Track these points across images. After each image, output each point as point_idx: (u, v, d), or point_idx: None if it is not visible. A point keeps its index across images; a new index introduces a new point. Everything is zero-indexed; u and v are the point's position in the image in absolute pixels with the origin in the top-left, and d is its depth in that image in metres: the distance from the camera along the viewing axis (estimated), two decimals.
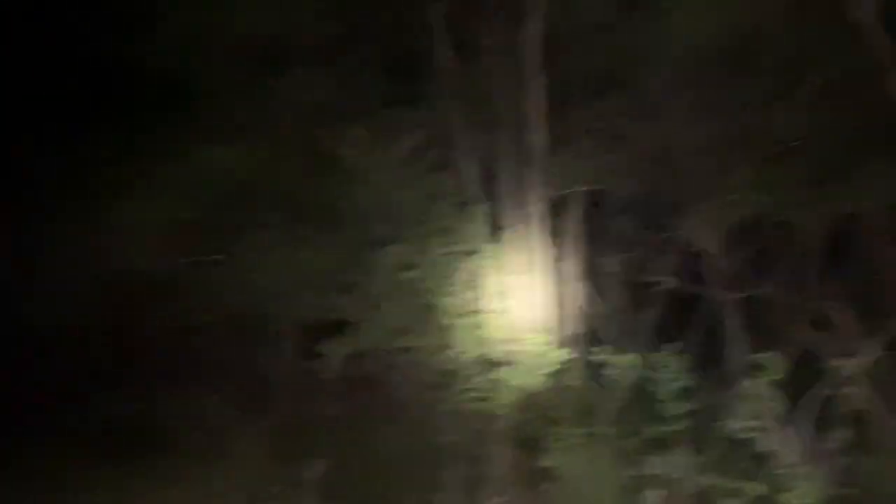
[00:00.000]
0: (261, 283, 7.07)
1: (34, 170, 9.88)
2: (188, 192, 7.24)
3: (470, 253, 6.45)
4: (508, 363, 6.09)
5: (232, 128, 7.26)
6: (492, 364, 6.07)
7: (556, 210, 6.94)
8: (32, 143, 9.85)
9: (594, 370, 5.63)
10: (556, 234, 6.93)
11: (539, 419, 5.20)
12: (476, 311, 6.34)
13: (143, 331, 7.41)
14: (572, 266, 7.19)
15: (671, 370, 4.63)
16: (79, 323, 7.95)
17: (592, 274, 7.31)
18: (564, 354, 6.01)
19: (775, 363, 4.88)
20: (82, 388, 7.72)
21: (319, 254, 6.89)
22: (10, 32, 9.53)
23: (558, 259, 6.88)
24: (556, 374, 5.70)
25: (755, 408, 4.74)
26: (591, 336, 6.82)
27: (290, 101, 7.33)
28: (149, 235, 7.08)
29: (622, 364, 5.01)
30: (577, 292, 7.10)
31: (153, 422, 7.15)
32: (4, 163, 9.88)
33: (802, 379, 5.46)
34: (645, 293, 7.52)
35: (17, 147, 8.91)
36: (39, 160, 9.80)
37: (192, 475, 6.20)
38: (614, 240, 7.51)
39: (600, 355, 5.53)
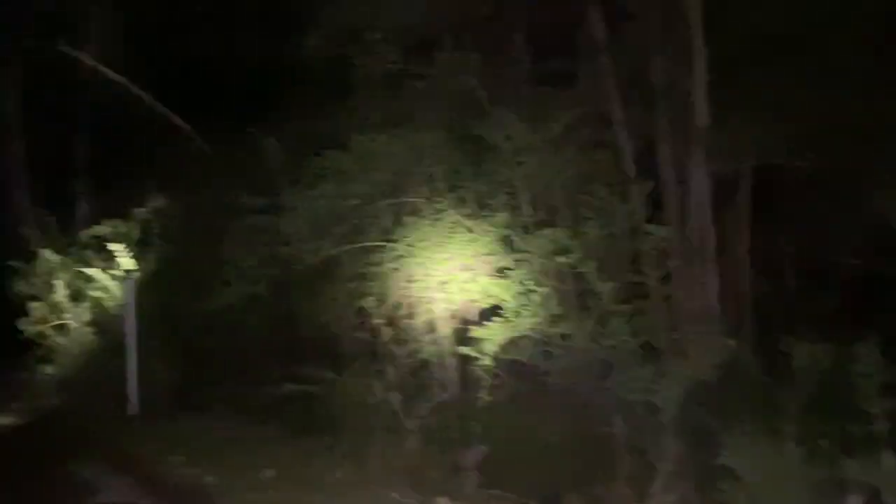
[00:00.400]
0: (416, 267, 7.14)
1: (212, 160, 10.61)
2: (348, 180, 7.44)
3: (629, 235, 6.15)
4: (673, 352, 5.77)
5: (387, 116, 7.38)
6: (655, 353, 5.76)
7: (723, 187, 6.47)
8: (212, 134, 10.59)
9: (770, 361, 5.18)
10: (724, 213, 6.47)
11: (711, 413, 4.86)
12: (637, 297, 6.04)
13: (315, 314, 7.78)
14: (741, 248, 6.70)
15: (868, 362, 4.12)
16: (260, 306, 8.47)
17: (764, 256, 6.78)
18: (735, 343, 5.60)
19: None
20: (264, 367, 8.26)
21: (473, 239, 6.84)
22: (192, 33, 10.26)
23: (726, 240, 6.42)
24: (727, 365, 5.32)
25: None
26: (764, 324, 6.33)
27: (440, 86, 7.32)
28: (317, 222, 7.37)
29: (805, 354, 4.54)
30: (748, 276, 6.61)
31: (323, 402, 7.46)
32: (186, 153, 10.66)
33: None
34: (825, 276, 6.89)
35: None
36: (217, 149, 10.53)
37: (358, 455, 6.39)
38: (789, 218, 6.92)
39: (777, 345, 5.07)
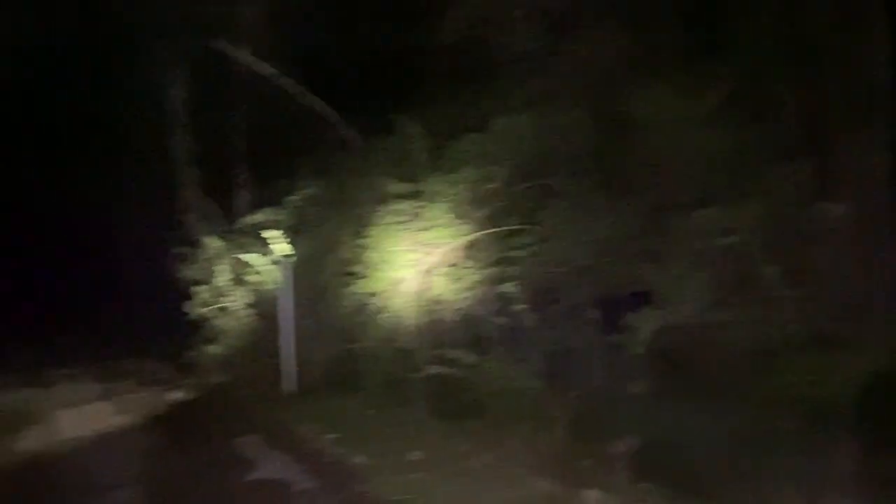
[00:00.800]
0: (560, 251, 6.94)
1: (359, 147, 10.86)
2: (489, 163, 7.35)
3: (796, 214, 5.62)
4: (845, 342, 5.22)
5: (528, 96, 7.20)
6: (825, 342, 5.25)
7: None
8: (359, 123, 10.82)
9: None
10: None
11: (890, 411, 4.34)
12: (804, 282, 5.52)
13: (457, 298, 7.76)
14: None
15: None
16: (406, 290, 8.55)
17: None
18: None
19: None
20: (409, 350, 8.36)
21: (621, 220, 6.54)
22: (336, 25, 10.51)
23: None
24: None
25: None
26: None
27: (584, 63, 7.03)
28: (458, 206, 7.33)
29: None
30: None
31: (466, 386, 7.46)
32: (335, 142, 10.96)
33: None
34: None
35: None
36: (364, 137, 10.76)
37: (501, 441, 6.31)
38: None
39: None
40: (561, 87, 7.03)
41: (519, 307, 6.93)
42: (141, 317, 13.96)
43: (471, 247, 7.49)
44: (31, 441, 7.79)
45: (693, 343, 5.58)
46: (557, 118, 6.86)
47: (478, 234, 7.61)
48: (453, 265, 7.93)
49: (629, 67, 6.63)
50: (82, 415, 8.87)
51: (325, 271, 9.34)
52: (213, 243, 9.70)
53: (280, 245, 9.06)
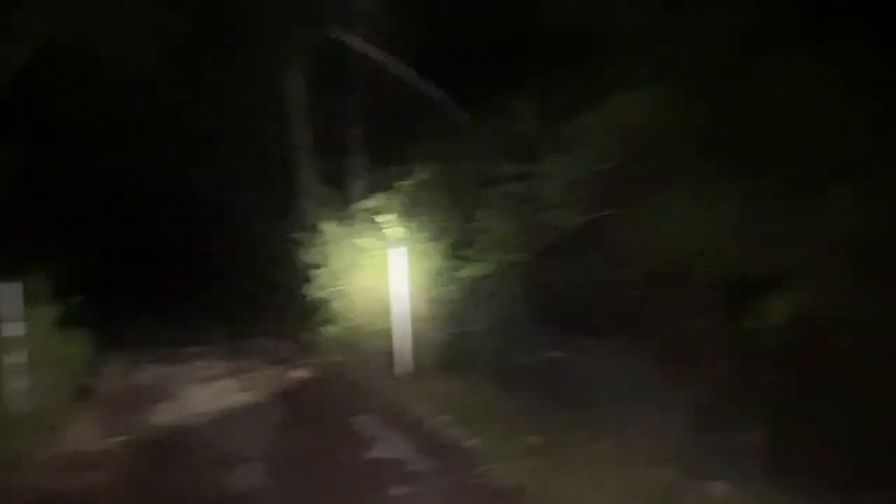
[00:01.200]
0: (679, 234, 6.68)
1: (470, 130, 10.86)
2: (602, 143, 7.15)
3: None
4: None
5: (644, 73, 6.94)
6: None
7: None
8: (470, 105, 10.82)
9: None
10: None
11: None
12: None
13: (571, 281, 7.66)
14: None
15: None
16: (517, 273, 8.52)
17: None
18: None
19: None
20: (521, 335, 8.33)
21: (745, 201, 6.22)
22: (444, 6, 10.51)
23: None
24: None
25: None
26: None
27: (704, 36, 6.70)
28: (572, 187, 7.21)
29: None
30: None
31: (581, 371, 7.36)
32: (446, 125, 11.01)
33: None
34: None
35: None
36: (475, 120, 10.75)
37: (620, 429, 6.17)
38: None
39: None
40: (679, 62, 6.73)
41: (636, 292, 6.72)
42: (264, 299, 14.60)
43: (584, 229, 7.33)
44: (165, 415, 8.31)
45: (825, 333, 5.22)
46: (676, 95, 6.57)
47: (592, 216, 7.44)
48: (566, 248, 7.80)
49: (753, 38, 6.26)
50: (212, 391, 9.37)
51: (437, 254, 9.41)
52: (329, 228, 9.95)
53: (393, 229, 9.19)
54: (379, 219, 9.23)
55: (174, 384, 9.96)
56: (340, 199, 11.40)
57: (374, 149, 13.25)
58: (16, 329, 7.37)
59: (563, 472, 5.38)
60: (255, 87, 14.89)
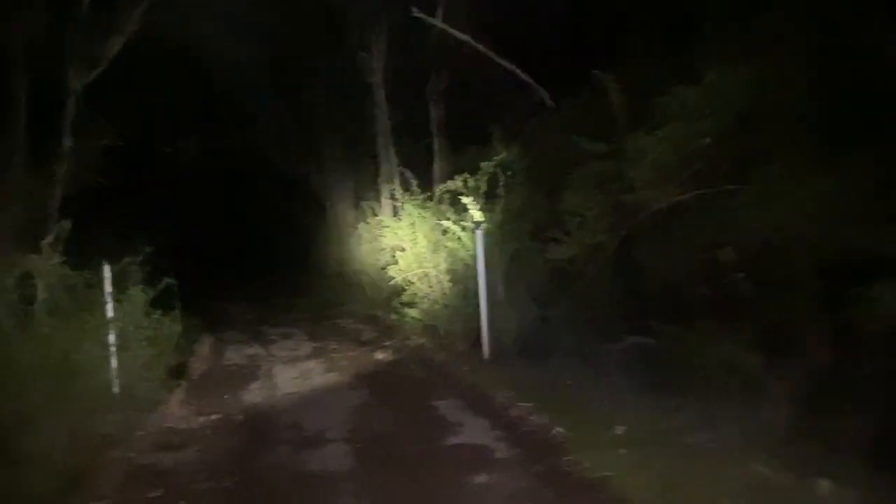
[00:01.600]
0: (779, 215, 6.28)
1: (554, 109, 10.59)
2: (698, 119, 6.79)
3: None
4: None
5: (744, 43, 6.52)
6: None
7: None
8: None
9: None
10: None
11: None
12: None
13: (660, 264, 7.33)
14: None
15: None
16: (603, 255, 8.25)
17: None
18: None
19: None
20: (606, 319, 8.08)
21: (852, 179, 5.77)
22: None
23: None
24: None
25: None
26: None
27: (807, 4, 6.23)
28: (663, 166, 6.88)
29: None
30: None
31: (670, 357, 7.06)
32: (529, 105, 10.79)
33: None
34: None
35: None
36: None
37: (712, 419, 5.87)
38: None
39: None
40: (782, 31, 6.29)
41: (731, 276, 6.36)
42: (348, 280, 14.76)
43: (676, 209, 6.99)
44: (254, 394, 8.48)
45: None
46: (778, 67, 6.14)
47: (685, 195, 7.08)
48: (656, 229, 7.48)
49: (862, 5, 5.78)
50: (298, 370, 9.52)
51: (519, 236, 9.22)
52: (412, 210, 9.90)
53: (474, 211, 9.05)
54: (463, 200, 9.09)
55: (262, 364, 10.18)
56: (423, 180, 11.32)
57: (458, 130, 13.15)
58: (108, 310, 7.62)
59: (654, 465, 5.16)
60: (341, 69, 15.02)
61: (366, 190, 15.23)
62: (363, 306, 13.33)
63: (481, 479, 5.22)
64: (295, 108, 17.46)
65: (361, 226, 14.08)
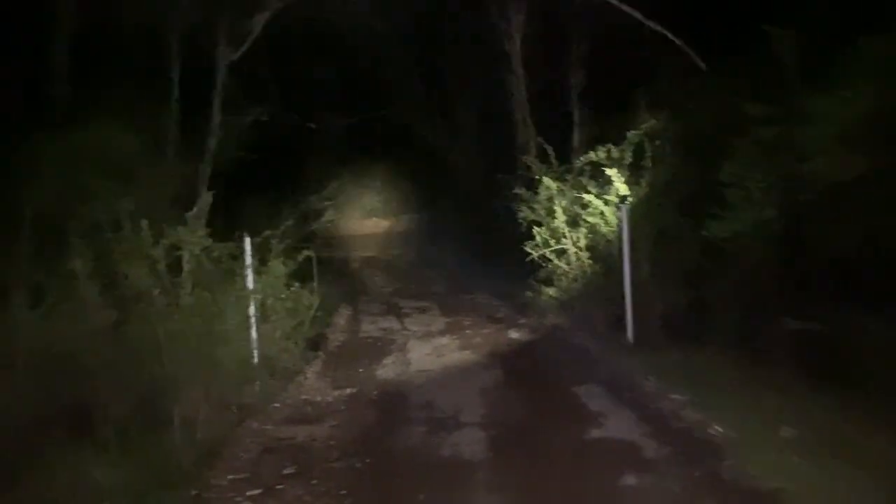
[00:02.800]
0: None
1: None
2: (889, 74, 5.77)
3: None
4: None
5: None
6: None
7: None
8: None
9: None
10: None
11: None
12: None
13: (837, 242, 6.36)
14: None
15: None
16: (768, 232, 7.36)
17: None
18: None
19: None
20: (770, 302, 7.21)
21: None
22: None
23: None
24: None
25: None
26: None
27: None
28: (847, 130, 5.90)
29: None
30: None
31: (848, 346, 6.16)
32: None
33: None
34: None
35: None
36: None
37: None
38: None
39: None
40: None
41: None
42: (483, 255, 14.38)
43: (861, 182, 6.01)
44: (388, 370, 8.29)
45: None
46: None
47: (867, 165, 6.08)
48: (830, 203, 6.51)
49: None
50: (431, 346, 9.25)
51: (668, 211, 8.43)
52: (550, 184, 9.30)
53: (619, 184, 8.34)
54: (607, 172, 8.41)
55: (396, 338, 10.01)
56: (560, 151, 10.66)
57: (600, 97, 12.36)
58: (248, 281, 7.59)
59: (833, 474, 4.39)
60: (476, 38, 14.56)
61: (500, 162, 14.73)
62: (498, 281, 12.86)
63: (629, 481, 4.66)
64: (431, 81, 17.21)
65: (500, 198, 13.57)
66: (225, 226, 8.08)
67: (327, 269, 12.41)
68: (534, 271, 10.09)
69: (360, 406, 7.02)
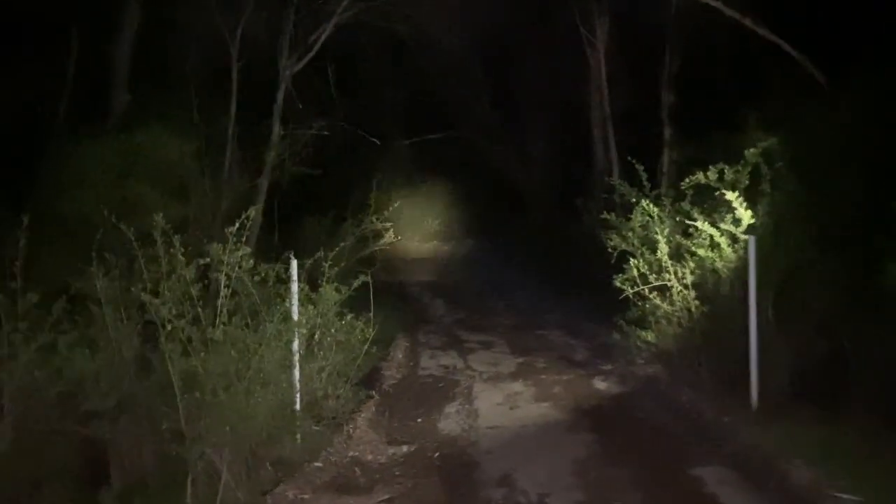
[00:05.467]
0: None
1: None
2: None
3: None
4: None
5: None
6: None
7: None
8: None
9: None
10: None
11: None
12: None
13: None
14: None
15: None
16: None
17: None
18: None
19: None
20: None
21: None
22: None
23: None
24: None
25: None
26: None
27: None
28: None
29: None
30: None
31: None
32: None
33: None
34: None
35: None
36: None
37: None
38: None
39: None
40: None
41: None
42: (559, 287, 12.73)
43: None
44: (452, 423, 6.78)
45: None
46: None
47: None
48: None
49: None
50: (501, 394, 7.73)
51: (799, 243, 6.75)
52: (648, 208, 7.69)
53: (741, 210, 6.70)
54: (727, 196, 6.78)
55: (460, 379, 8.51)
56: (650, 176, 9.07)
57: (701, 115, 10.72)
58: (294, 311, 6.19)
59: None
60: (552, 48, 13.12)
61: (575, 186, 13.16)
62: (578, 318, 11.16)
63: None
64: (502, 99, 15.84)
65: (580, 224, 11.96)
66: (282, 246, 6.88)
67: (386, 294, 10.99)
68: (618, 308, 8.43)
69: (419, 472, 5.56)
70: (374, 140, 14.62)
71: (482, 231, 18.35)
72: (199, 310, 5.34)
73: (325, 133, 12.59)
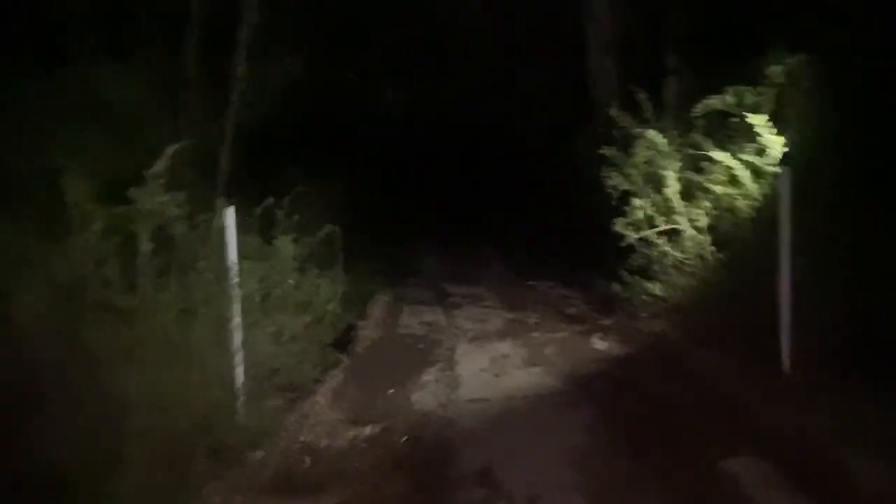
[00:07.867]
0: None
1: None
2: None
3: None
4: None
5: None
6: None
7: None
8: None
9: None
10: None
11: None
12: None
13: None
14: None
15: None
16: None
17: None
18: None
19: None
20: None
21: None
22: None
23: None
24: None
25: None
26: None
27: None
28: None
29: None
30: None
31: None
32: None
33: None
34: None
35: None
36: None
37: None
38: None
39: None
40: None
41: None
42: (553, 233, 11.50)
43: None
44: (429, 394, 5.69)
45: None
46: None
47: None
48: None
49: None
50: (487, 357, 6.63)
51: (839, 179, 5.52)
52: (656, 140, 6.44)
53: (768, 137, 5.45)
54: (750, 119, 5.52)
55: (443, 340, 7.39)
56: (662, 102, 7.79)
57: (699, 41, 9.34)
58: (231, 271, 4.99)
59: None
60: None
61: (574, 124, 11.80)
62: (574, 268, 9.94)
63: None
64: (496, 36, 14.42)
65: (575, 161, 10.65)
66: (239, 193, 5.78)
67: (373, 246, 9.86)
68: (619, 256, 7.25)
69: (382, 461, 4.46)
70: (352, 75, 13.22)
71: (476, 177, 17.05)
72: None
73: (293, 68, 11.13)
